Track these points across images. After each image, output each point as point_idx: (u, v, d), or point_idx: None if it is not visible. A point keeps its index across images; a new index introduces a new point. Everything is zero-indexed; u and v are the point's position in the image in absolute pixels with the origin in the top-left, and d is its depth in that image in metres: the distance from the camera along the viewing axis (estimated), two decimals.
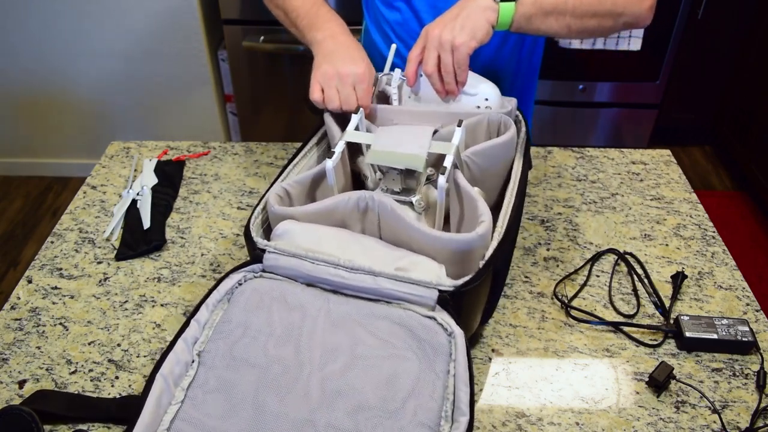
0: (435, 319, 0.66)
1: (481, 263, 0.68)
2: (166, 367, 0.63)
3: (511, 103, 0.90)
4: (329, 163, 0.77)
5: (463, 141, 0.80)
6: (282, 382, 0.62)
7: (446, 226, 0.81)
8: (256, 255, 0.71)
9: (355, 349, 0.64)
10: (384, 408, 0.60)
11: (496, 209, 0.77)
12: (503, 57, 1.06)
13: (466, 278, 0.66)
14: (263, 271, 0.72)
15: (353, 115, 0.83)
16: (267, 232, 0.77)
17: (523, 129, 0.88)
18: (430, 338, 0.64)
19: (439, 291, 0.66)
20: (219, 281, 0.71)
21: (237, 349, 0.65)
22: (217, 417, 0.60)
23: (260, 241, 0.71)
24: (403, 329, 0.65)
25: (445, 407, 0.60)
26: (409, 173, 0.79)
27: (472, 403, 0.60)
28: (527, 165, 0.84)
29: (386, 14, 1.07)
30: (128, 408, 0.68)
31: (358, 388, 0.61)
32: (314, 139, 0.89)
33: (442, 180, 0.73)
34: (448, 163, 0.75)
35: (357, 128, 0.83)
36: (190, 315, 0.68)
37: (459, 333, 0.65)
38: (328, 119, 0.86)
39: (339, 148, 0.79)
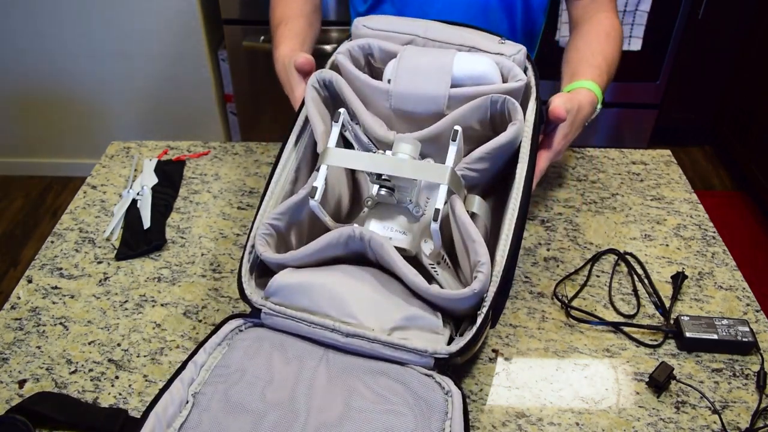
0: (433, 377, 0.65)
1: (480, 317, 0.65)
2: (160, 405, 0.62)
3: (519, 55, 0.79)
4: (313, 203, 0.71)
5: (461, 152, 0.74)
6: (276, 430, 0.61)
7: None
8: (253, 311, 0.71)
9: (351, 402, 0.63)
10: None
11: (498, 207, 0.74)
12: None
13: (462, 344, 0.64)
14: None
15: (333, 122, 0.74)
16: (261, 266, 0.75)
17: (534, 95, 0.77)
18: (427, 395, 0.64)
19: (435, 359, 0.65)
20: (219, 325, 0.71)
21: (233, 393, 0.64)
22: None
23: (255, 300, 0.70)
24: (400, 385, 0.65)
25: None
26: (400, 182, 0.73)
27: None
28: (534, 156, 0.74)
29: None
30: (115, 421, 0.68)
31: None
32: (292, 139, 0.81)
33: (435, 226, 0.67)
34: (439, 204, 0.66)
35: (343, 128, 0.76)
36: (188, 357, 0.68)
37: (456, 392, 0.64)
38: (311, 107, 0.77)
39: (320, 180, 0.70)
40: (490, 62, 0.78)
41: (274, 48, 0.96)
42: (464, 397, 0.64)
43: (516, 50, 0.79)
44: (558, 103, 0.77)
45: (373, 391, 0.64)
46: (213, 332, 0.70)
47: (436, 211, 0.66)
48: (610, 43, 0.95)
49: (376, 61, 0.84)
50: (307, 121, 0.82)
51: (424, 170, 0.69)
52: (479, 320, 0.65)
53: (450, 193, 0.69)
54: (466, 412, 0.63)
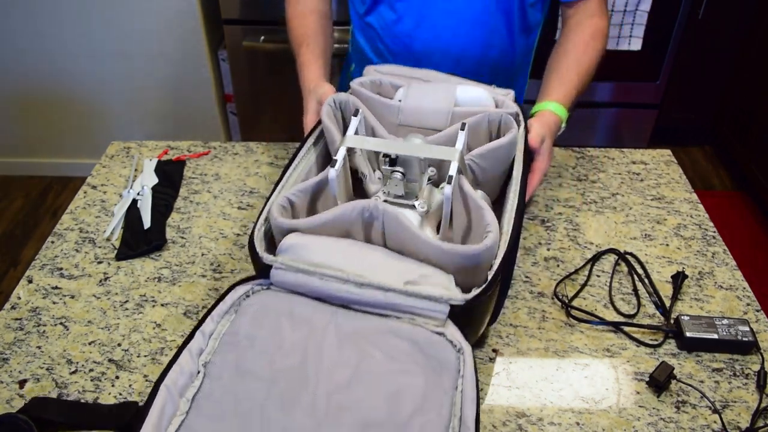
0: (444, 335, 0.65)
1: (490, 274, 0.67)
2: (171, 377, 0.62)
3: (509, 96, 0.90)
4: (332, 173, 0.75)
5: (465, 145, 0.80)
6: (288, 395, 0.61)
7: (450, 229, 0.81)
8: (262, 270, 0.70)
9: (362, 364, 0.63)
10: (391, 423, 0.59)
11: (496, 203, 0.76)
12: (492, 55, 1.07)
13: (476, 292, 0.66)
14: (271, 284, 0.71)
15: (353, 117, 0.82)
16: (270, 242, 0.76)
17: (522, 125, 0.88)
18: (438, 354, 0.64)
19: (451, 305, 0.65)
20: (225, 292, 0.71)
21: (243, 361, 0.64)
22: (222, 429, 0.60)
23: (266, 257, 0.70)
24: (411, 345, 0.65)
25: (452, 424, 0.60)
26: (410, 175, 0.78)
27: (477, 419, 0.60)
28: (528, 164, 0.83)
29: (370, 19, 1.08)
30: (125, 414, 0.68)
31: (365, 403, 0.60)
32: (311, 141, 0.88)
33: (448, 190, 0.72)
34: (452, 171, 0.73)
35: (356, 132, 0.82)
36: (196, 326, 0.67)
37: (467, 350, 0.64)
38: (326, 120, 0.85)
39: (341, 155, 0.77)
40: (486, 91, 0.90)
41: (299, 66, 1.03)
42: (471, 343, 0.65)
43: (506, 92, 0.92)
44: (533, 136, 0.88)
45: (383, 352, 0.64)
46: (220, 299, 0.70)
47: (450, 177, 0.72)
48: (588, 52, 1.01)
49: (384, 95, 0.92)
50: (321, 134, 0.89)
51: (436, 150, 0.76)
52: (490, 276, 0.67)
53: (458, 172, 0.75)
54: (475, 368, 0.63)
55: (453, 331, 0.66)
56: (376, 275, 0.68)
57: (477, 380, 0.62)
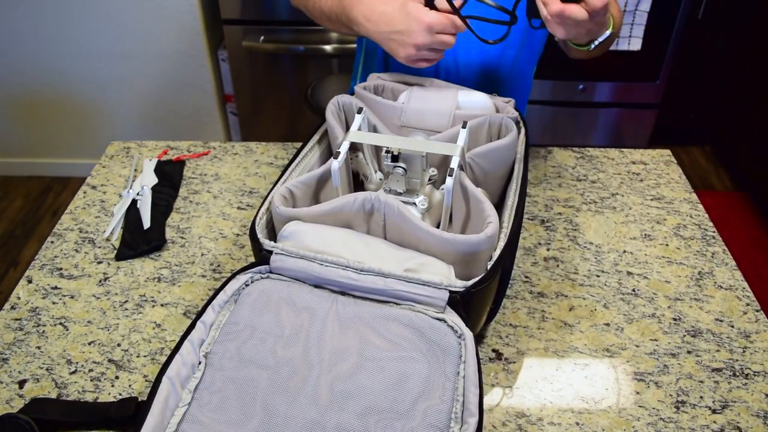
0: (445, 321, 0.66)
1: (490, 264, 0.68)
2: (173, 369, 0.63)
3: (510, 104, 0.90)
4: (335, 164, 0.76)
5: (467, 142, 0.81)
6: (291, 383, 0.61)
7: (450, 227, 0.82)
8: (262, 256, 0.71)
9: (364, 351, 0.64)
10: (394, 410, 0.60)
11: (496, 206, 0.77)
12: (504, 61, 1.06)
13: (476, 279, 0.66)
14: (270, 272, 0.71)
15: (357, 115, 0.83)
16: (270, 233, 0.77)
17: (523, 131, 0.88)
18: (440, 340, 0.64)
19: (450, 292, 0.66)
20: (225, 282, 0.71)
21: (245, 350, 0.64)
22: (226, 418, 0.60)
23: (267, 243, 0.71)
24: (412, 331, 0.65)
25: (455, 408, 0.60)
26: (412, 173, 0.79)
27: (481, 404, 0.60)
28: (528, 167, 0.84)
29: None
30: (127, 409, 0.68)
31: (367, 389, 0.61)
32: (315, 138, 0.89)
33: (449, 182, 0.73)
34: (454, 164, 0.75)
35: (359, 128, 0.83)
36: (196, 316, 0.68)
37: (468, 335, 0.65)
38: (330, 119, 0.86)
39: (344, 148, 0.78)
40: (487, 96, 0.91)
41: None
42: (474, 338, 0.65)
43: (507, 100, 0.92)
44: None
45: (385, 339, 0.65)
46: (220, 289, 0.70)
47: (451, 169, 0.74)
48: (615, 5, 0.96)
49: (387, 99, 0.93)
50: (324, 134, 0.90)
51: (438, 146, 0.78)
52: (490, 265, 0.68)
53: (459, 168, 0.76)
54: (477, 353, 0.64)
55: (453, 318, 0.66)
56: (375, 262, 0.68)
57: (479, 365, 0.63)
